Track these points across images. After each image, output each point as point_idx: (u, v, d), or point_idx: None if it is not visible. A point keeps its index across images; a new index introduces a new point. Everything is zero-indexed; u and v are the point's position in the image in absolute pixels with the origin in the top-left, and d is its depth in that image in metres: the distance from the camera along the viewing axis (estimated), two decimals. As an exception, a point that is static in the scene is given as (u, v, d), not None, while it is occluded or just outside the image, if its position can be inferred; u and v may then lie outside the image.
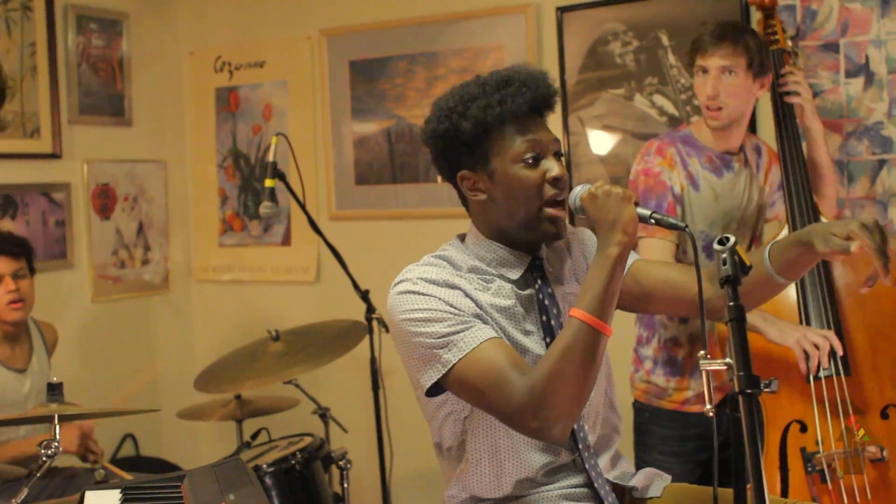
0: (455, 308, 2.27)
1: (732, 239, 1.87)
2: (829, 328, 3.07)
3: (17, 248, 3.93)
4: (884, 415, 3.01)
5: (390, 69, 4.79)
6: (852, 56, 3.81)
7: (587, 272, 2.25)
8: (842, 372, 3.03)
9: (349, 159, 4.92)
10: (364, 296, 4.07)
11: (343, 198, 4.94)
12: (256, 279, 5.22)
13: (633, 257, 2.53)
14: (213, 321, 5.37)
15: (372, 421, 4.07)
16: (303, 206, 3.98)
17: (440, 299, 2.28)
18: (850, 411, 3.00)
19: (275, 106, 5.16)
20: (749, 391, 1.65)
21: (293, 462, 3.44)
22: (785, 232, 3.21)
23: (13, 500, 2.87)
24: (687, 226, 2.16)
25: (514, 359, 2.24)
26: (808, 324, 3.10)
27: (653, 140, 3.43)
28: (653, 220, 2.20)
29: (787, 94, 3.35)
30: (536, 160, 2.33)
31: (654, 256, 3.21)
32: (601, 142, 4.31)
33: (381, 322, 4.05)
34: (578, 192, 2.29)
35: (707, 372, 1.78)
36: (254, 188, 5.23)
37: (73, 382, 3.10)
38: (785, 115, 3.35)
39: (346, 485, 3.70)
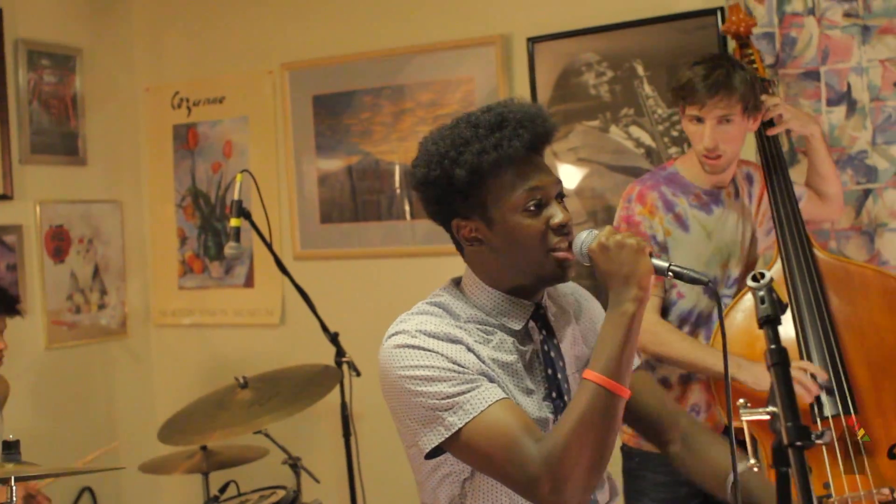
0: (459, 365, 2.10)
1: (768, 275, 1.72)
2: (831, 365, 2.96)
3: (12, 306, 3.88)
4: (891, 454, 2.89)
5: (355, 103, 4.66)
6: (833, 84, 3.72)
7: (601, 329, 2.09)
8: (851, 410, 2.91)
9: (313, 197, 4.77)
10: (333, 339, 3.94)
11: (307, 237, 4.79)
12: (219, 322, 5.06)
13: (636, 363, 2.37)
14: (174, 367, 5.19)
15: (344, 469, 3.91)
16: (269, 247, 3.85)
17: (443, 356, 2.10)
18: (861, 451, 2.87)
19: (235, 143, 5.00)
20: (799, 444, 1.50)
21: (266, 517, 3.27)
22: (778, 266, 3.10)
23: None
24: (710, 280, 2.00)
25: (526, 423, 2.07)
26: (809, 360, 2.98)
27: (635, 183, 3.29)
28: (670, 274, 2.04)
29: (771, 124, 3.25)
30: (539, 207, 2.16)
31: None
32: (576, 175, 4.19)
33: (352, 366, 3.91)
34: (585, 239, 2.13)
35: (746, 423, 1.63)
36: (214, 228, 5.06)
37: (27, 435, 2.92)
38: (769, 148, 3.25)
39: (320, 539, 3.54)
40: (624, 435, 3.36)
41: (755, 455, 1.67)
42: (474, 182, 2.16)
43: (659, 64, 4.00)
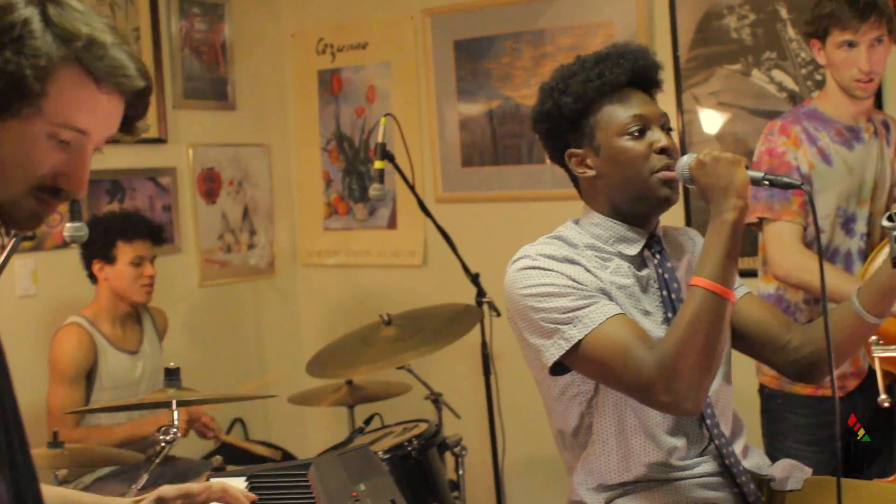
0: (578, 283, 2.25)
1: (904, 213, 1.75)
2: None
3: (160, 234, 4.09)
4: None
5: (496, 48, 4.70)
6: None
7: (704, 240, 2.22)
8: None
9: (455, 141, 4.84)
10: (474, 279, 4.01)
11: (449, 180, 4.87)
12: (362, 263, 5.19)
13: (743, 290, 2.49)
14: (319, 305, 5.35)
15: (483, 406, 4.00)
16: (412, 189, 3.93)
17: (562, 274, 2.25)
18: None
19: (378, 88, 5.10)
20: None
21: (409, 449, 3.38)
22: None
23: (133, 486, 2.87)
24: (803, 183, 2.14)
25: (640, 334, 2.21)
26: None
27: (776, 119, 3.30)
28: (766, 182, 2.17)
29: None
30: (642, 132, 2.31)
31: (780, 240, 3.15)
32: (717, 120, 4.18)
33: (493, 306, 3.98)
34: (686, 161, 2.25)
35: (878, 359, 1.67)
36: (358, 171, 5.19)
37: (182, 366, 3.08)
38: None
39: (461, 472, 3.64)
40: (764, 377, 3.37)
41: (886, 391, 1.71)
42: (581, 110, 2.33)
43: (803, 7, 3.92)
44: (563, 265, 2.27)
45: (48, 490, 1.75)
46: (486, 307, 3.99)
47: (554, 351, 2.23)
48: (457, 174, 4.85)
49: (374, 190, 3.78)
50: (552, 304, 2.22)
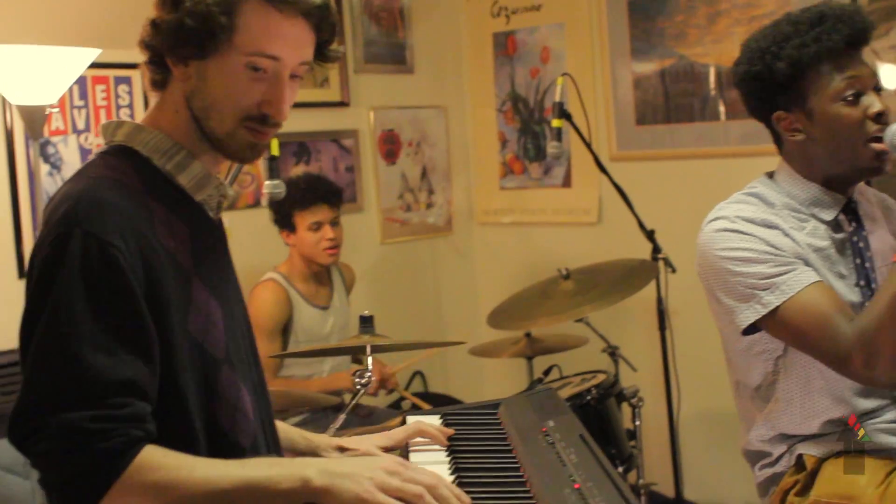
0: (776, 249, 2.27)
1: None
2: None
3: (335, 197, 4.19)
4: None
5: (670, 6, 4.71)
6: None
7: None
8: None
9: (628, 100, 4.88)
10: (650, 235, 4.05)
11: (623, 139, 4.91)
12: (537, 221, 5.28)
13: None
14: (495, 262, 5.47)
15: (659, 360, 4.06)
16: (589, 147, 4.00)
17: (761, 239, 2.28)
18: None
19: (552, 48, 5.17)
20: None
21: (588, 398, 3.47)
22: None
23: (331, 426, 3.03)
24: None
25: (839, 304, 2.22)
26: None
27: None
28: None
29: None
30: (857, 97, 2.29)
31: None
32: (897, 74, 4.12)
33: (668, 262, 4.02)
34: (895, 131, 2.23)
35: None
36: (533, 131, 5.28)
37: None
38: None
39: (638, 422, 3.72)
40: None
41: None
42: (794, 75, 2.31)
43: None
44: (761, 230, 2.29)
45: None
46: (661, 263, 4.03)
47: (749, 314, 2.27)
48: (631, 133, 4.89)
49: (552, 148, 3.86)
50: (750, 269, 2.26)
